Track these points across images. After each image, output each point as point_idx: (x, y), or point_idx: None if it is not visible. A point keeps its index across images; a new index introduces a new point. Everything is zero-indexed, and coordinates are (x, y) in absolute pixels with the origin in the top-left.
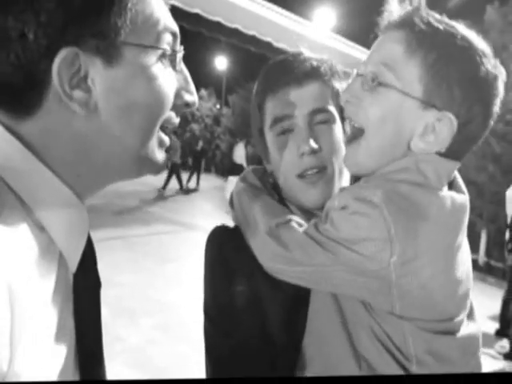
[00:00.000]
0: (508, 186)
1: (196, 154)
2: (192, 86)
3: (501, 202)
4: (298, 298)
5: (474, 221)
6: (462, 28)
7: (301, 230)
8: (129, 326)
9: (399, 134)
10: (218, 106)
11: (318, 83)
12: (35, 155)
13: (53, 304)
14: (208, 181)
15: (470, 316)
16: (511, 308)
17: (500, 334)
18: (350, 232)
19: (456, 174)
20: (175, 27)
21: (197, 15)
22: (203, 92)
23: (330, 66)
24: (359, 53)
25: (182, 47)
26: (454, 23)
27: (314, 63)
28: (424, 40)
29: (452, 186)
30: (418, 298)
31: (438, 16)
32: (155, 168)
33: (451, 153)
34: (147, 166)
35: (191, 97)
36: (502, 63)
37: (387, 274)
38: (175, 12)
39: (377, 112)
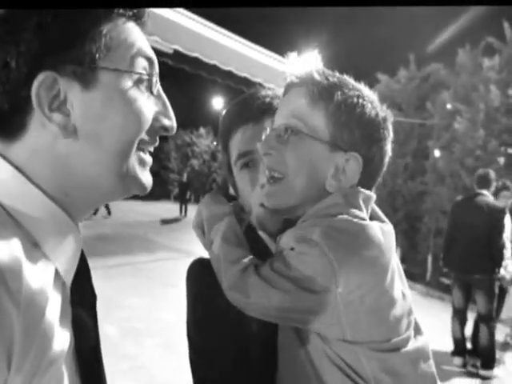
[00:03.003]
0: None
1: (182, 186)
2: (170, 111)
3: None
4: (273, 330)
5: None
6: (351, 80)
7: (255, 272)
8: (135, 345)
9: (314, 175)
10: (214, 143)
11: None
12: (24, 176)
13: (50, 315)
14: None
15: (417, 331)
16: (454, 329)
17: (456, 353)
18: (299, 270)
19: (377, 209)
20: (150, 53)
21: (196, 59)
22: (202, 130)
23: None
24: None
25: (157, 72)
26: (345, 77)
27: (268, 99)
28: (324, 93)
29: (375, 219)
30: (366, 322)
31: (331, 72)
32: (139, 185)
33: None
34: (131, 184)
35: (169, 121)
36: (472, 103)
37: (335, 306)
38: (178, 56)
39: (293, 158)
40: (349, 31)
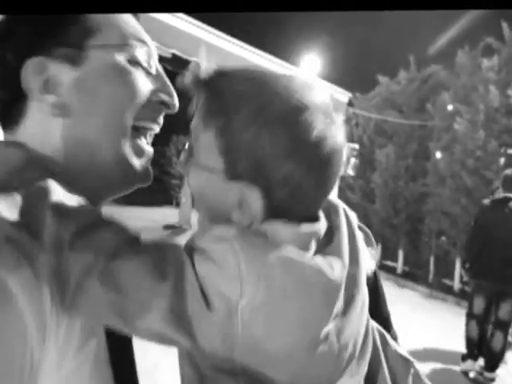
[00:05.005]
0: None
1: None
2: (170, 88)
3: None
4: None
5: (448, 249)
6: (262, 74)
7: None
8: (138, 350)
9: (218, 207)
10: None
11: None
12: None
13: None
14: None
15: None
16: (471, 328)
17: (468, 357)
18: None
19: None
20: (143, 35)
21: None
22: None
23: None
24: (342, 96)
25: (153, 52)
26: (255, 71)
27: None
28: (212, 106)
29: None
30: (267, 354)
31: (233, 71)
32: (134, 173)
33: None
34: (126, 170)
35: (168, 97)
36: (472, 104)
37: (233, 322)
38: (176, 60)
39: (192, 185)
40: (349, 33)
